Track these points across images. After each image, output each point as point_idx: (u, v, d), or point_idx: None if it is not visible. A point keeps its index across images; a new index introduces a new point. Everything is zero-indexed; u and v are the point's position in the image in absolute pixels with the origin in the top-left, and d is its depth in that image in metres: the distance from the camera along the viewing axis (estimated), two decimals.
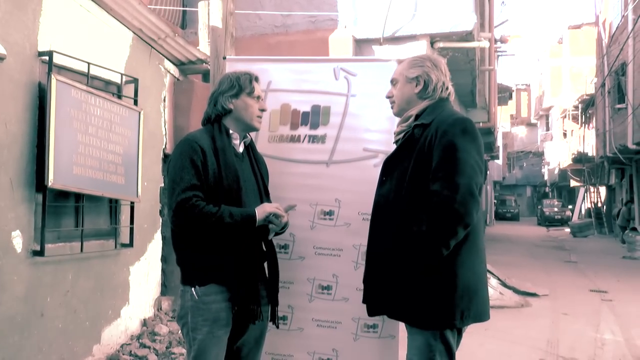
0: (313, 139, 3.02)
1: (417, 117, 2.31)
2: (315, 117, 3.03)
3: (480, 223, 2.26)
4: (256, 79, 2.51)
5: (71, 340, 4.00)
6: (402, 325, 2.57)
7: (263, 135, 3.06)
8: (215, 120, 2.44)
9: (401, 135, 2.35)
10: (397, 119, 2.75)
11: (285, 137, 3.05)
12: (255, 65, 3.20)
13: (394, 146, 2.65)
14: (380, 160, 2.92)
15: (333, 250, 2.96)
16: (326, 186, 2.97)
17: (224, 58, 3.31)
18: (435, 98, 2.33)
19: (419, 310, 2.16)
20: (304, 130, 3.03)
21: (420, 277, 2.14)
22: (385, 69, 2.99)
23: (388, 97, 2.45)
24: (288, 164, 3.01)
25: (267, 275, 2.56)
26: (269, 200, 2.54)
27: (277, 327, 2.63)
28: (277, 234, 2.53)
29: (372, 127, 2.99)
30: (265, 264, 2.55)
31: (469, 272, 2.18)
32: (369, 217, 2.55)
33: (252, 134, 3.04)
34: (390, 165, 2.34)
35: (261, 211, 2.32)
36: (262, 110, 2.52)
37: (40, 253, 3.67)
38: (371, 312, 2.37)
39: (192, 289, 2.30)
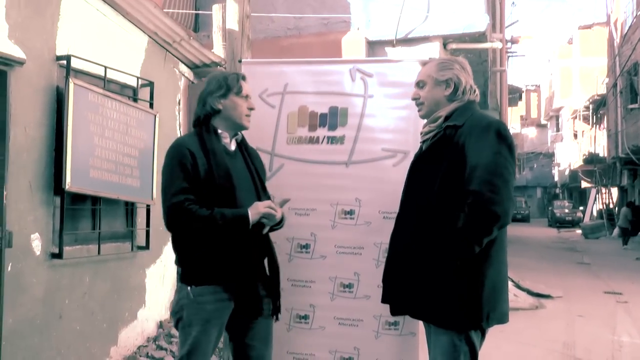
0: (332, 140, 3.03)
1: (447, 118, 2.31)
2: (333, 118, 3.04)
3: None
4: (243, 78, 2.49)
5: (89, 342, 4.02)
6: (421, 323, 2.57)
7: (282, 137, 3.07)
8: (204, 121, 2.44)
9: (430, 135, 2.34)
10: (414, 119, 2.75)
11: (304, 138, 3.06)
12: (271, 67, 3.22)
13: (414, 146, 2.65)
14: (398, 160, 2.93)
15: (354, 248, 2.97)
16: (346, 186, 2.98)
17: (240, 61, 3.32)
18: (465, 100, 2.34)
19: (446, 310, 2.15)
20: (322, 132, 3.04)
21: (447, 277, 2.14)
22: (401, 69, 3.01)
23: (414, 99, 2.44)
24: (307, 165, 3.02)
25: (267, 271, 2.53)
26: (266, 196, 2.52)
27: (277, 319, 2.56)
28: (273, 229, 2.49)
29: (390, 127, 2.99)
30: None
31: (496, 272, 2.19)
32: (390, 216, 2.56)
33: (271, 135, 3.08)
34: (420, 165, 2.34)
35: (254, 212, 2.31)
36: (251, 109, 2.50)
37: (58, 256, 3.70)
38: (395, 312, 2.37)
39: (189, 287, 2.34)
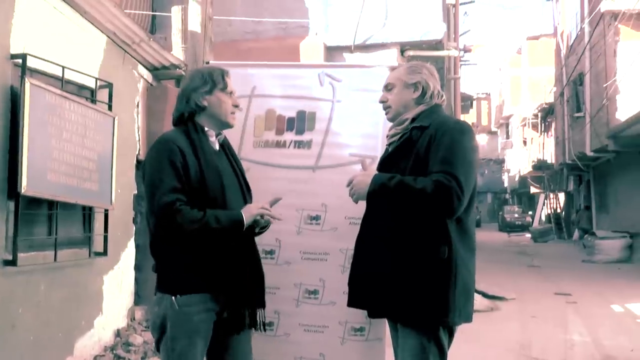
0: (299, 144, 3.02)
1: (413, 120, 2.34)
2: (300, 122, 3.04)
3: (473, 224, 2.31)
4: (227, 74, 2.39)
5: (43, 352, 3.87)
6: (387, 328, 2.59)
7: (248, 140, 3.05)
8: (189, 118, 2.30)
9: (396, 138, 2.38)
10: (382, 125, 2.79)
11: (270, 142, 3.04)
12: (239, 70, 3.18)
13: (380, 150, 2.68)
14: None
15: (320, 254, 2.97)
16: (312, 191, 2.98)
17: (207, 63, 3.28)
18: (431, 104, 2.38)
19: (417, 308, 2.18)
20: (289, 136, 3.04)
21: (420, 275, 2.17)
22: (370, 75, 3.04)
23: (382, 101, 2.47)
24: (274, 170, 3.00)
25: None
26: (250, 196, 2.45)
27: (264, 330, 2.50)
28: (258, 232, 2.43)
29: (358, 133, 3.02)
30: None
31: (467, 271, 2.23)
32: (356, 222, 2.56)
33: (237, 139, 3.04)
34: (386, 166, 2.36)
35: (248, 214, 2.23)
36: (236, 106, 2.40)
37: (12, 263, 3.54)
38: (372, 314, 2.38)
39: (173, 297, 2.17)
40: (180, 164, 2.16)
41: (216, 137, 2.38)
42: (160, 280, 2.25)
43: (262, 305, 2.41)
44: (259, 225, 2.33)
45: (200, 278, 2.18)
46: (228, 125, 2.40)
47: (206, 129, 2.32)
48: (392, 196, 2.19)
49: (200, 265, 2.18)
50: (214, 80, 2.32)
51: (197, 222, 2.12)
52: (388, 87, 2.46)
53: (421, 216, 2.18)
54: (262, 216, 2.29)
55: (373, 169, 2.40)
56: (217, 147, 2.37)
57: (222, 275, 2.19)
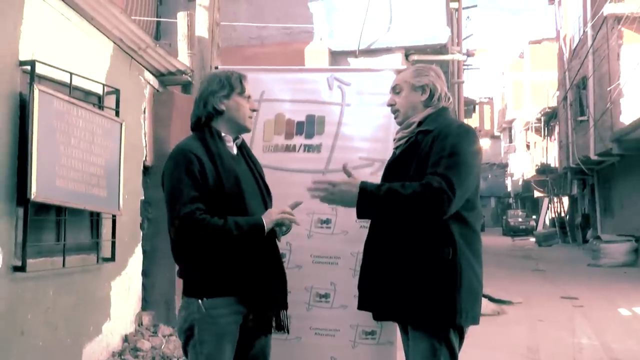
0: (308, 148, 3.03)
1: (420, 124, 2.35)
2: (310, 126, 3.04)
3: (479, 226, 2.32)
4: (244, 78, 2.40)
5: (52, 358, 3.86)
6: (398, 332, 2.59)
7: (257, 145, 3.05)
8: (205, 123, 2.31)
9: (403, 141, 2.38)
10: (392, 128, 2.79)
11: (280, 146, 3.05)
12: (248, 75, 3.18)
13: (390, 153, 2.69)
14: (375, 168, 2.95)
15: (331, 258, 2.96)
16: None
17: (215, 68, 3.29)
18: (439, 107, 2.38)
19: (425, 310, 2.18)
20: (299, 140, 3.04)
21: (426, 277, 2.17)
22: (379, 78, 3.04)
23: (390, 104, 2.47)
24: (284, 174, 3.00)
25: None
26: (270, 199, 2.45)
27: (288, 332, 2.49)
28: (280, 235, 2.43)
29: (368, 136, 3.02)
30: None
31: (472, 272, 2.24)
32: (366, 225, 2.56)
33: (247, 143, 3.04)
34: (392, 170, 2.37)
35: (268, 220, 2.23)
36: (253, 110, 2.42)
37: (21, 269, 3.54)
38: (377, 317, 2.38)
39: (200, 301, 2.19)
40: (198, 172, 2.16)
41: (234, 141, 2.39)
42: (187, 285, 2.27)
43: (285, 306, 2.40)
44: (283, 230, 2.34)
45: (225, 281, 2.19)
46: (246, 130, 2.42)
47: (223, 134, 2.33)
48: (382, 205, 2.20)
49: (224, 268, 2.19)
50: (231, 84, 2.33)
51: (218, 231, 2.13)
52: (396, 90, 2.45)
53: (415, 219, 2.18)
54: (283, 221, 2.30)
55: (357, 177, 2.39)
56: (234, 151, 2.38)
57: (247, 277, 2.20)
